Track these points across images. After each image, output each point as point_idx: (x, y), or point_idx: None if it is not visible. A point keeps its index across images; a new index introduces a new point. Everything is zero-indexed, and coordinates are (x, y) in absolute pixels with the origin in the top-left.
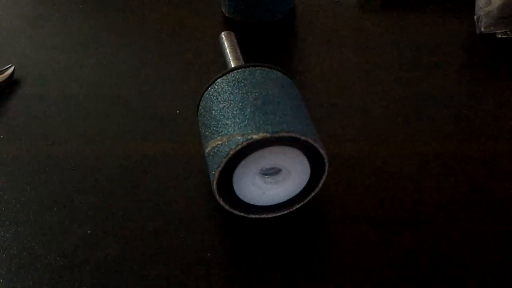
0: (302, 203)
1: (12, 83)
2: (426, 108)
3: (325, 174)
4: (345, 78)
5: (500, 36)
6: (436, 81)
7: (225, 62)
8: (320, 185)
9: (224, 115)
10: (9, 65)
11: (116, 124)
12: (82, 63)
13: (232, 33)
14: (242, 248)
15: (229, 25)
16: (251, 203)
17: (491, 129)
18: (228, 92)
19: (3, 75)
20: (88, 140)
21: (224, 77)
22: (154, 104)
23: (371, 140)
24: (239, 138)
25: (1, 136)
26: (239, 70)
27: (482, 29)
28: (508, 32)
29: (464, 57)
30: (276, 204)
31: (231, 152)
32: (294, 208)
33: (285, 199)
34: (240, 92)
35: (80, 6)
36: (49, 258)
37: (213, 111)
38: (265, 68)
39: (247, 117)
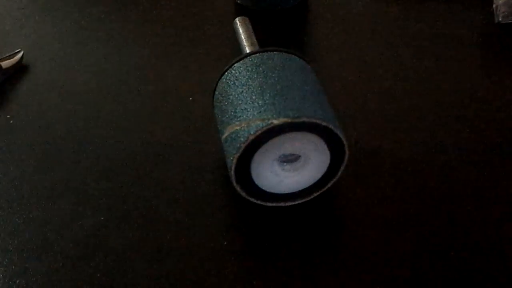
0: (320, 191)
1: (21, 68)
2: (445, 96)
3: (345, 162)
4: (360, 65)
5: None
6: (455, 70)
7: (240, 48)
8: (340, 173)
9: (242, 100)
10: (18, 50)
11: (129, 111)
12: (92, 49)
13: (246, 18)
14: (258, 237)
15: (241, 12)
16: (269, 191)
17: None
18: (246, 76)
19: (12, 59)
20: (100, 127)
21: (241, 62)
22: (168, 90)
23: (389, 129)
24: (259, 123)
25: (11, 122)
26: (257, 54)
27: (500, 19)
28: None
29: (482, 46)
30: (293, 192)
31: (251, 138)
32: (312, 196)
33: (303, 187)
34: (259, 76)
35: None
36: (61, 245)
37: (231, 96)
38: (284, 53)
39: (267, 101)
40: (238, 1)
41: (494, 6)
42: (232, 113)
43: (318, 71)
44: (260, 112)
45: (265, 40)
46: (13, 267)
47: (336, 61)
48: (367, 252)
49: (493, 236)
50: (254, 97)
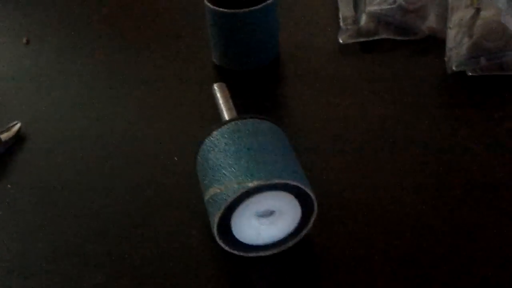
0: (295, 241)
1: (19, 139)
2: (406, 144)
3: (315, 213)
4: (327, 121)
5: (470, 74)
6: (414, 119)
7: (218, 112)
8: (311, 224)
9: (221, 165)
10: (16, 122)
11: (118, 176)
12: (84, 116)
13: (223, 84)
14: (242, 285)
15: (219, 72)
16: (249, 243)
17: (468, 161)
18: (224, 143)
19: (10, 132)
20: (89, 192)
21: (219, 130)
22: (153, 152)
23: (357, 179)
24: (236, 186)
25: (12, 191)
26: (232, 122)
27: (454, 68)
28: (477, 70)
29: (438, 95)
30: (271, 243)
31: (229, 200)
32: (288, 245)
33: (279, 238)
34: (235, 143)
35: (77, 60)
36: None
37: (210, 161)
38: (256, 119)
39: (243, 166)
40: (217, 63)
41: (446, 58)
42: (212, 176)
43: (289, 126)
44: (236, 176)
45: (241, 98)
46: None
47: (306, 116)
48: None
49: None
50: (231, 162)
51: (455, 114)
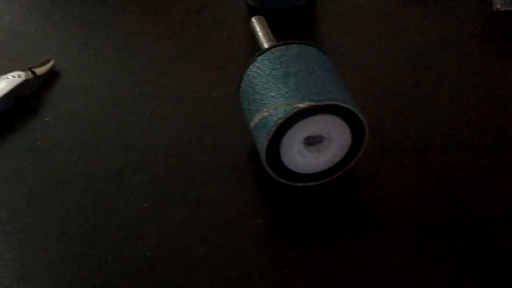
0: (343, 171)
1: (53, 75)
2: (449, 84)
3: (366, 141)
4: (371, 60)
5: None
6: (457, 58)
7: (258, 44)
8: (361, 152)
9: (268, 89)
10: (49, 59)
11: (157, 110)
12: (117, 56)
13: (262, 17)
14: (289, 213)
15: (252, 13)
16: (297, 171)
17: None
18: (270, 67)
19: (44, 67)
20: (133, 126)
21: (264, 55)
22: (192, 90)
23: (404, 115)
24: (286, 107)
25: (50, 124)
26: (278, 47)
27: (498, 6)
28: None
29: (482, 33)
30: (319, 172)
31: (279, 121)
32: (336, 175)
33: (327, 167)
34: (282, 67)
35: (110, 4)
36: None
37: (257, 86)
38: (302, 45)
39: (292, 88)
40: (250, 3)
41: None
42: (260, 101)
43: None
44: (286, 98)
45: (277, 38)
46: (66, 249)
47: (347, 53)
48: (386, 225)
49: None
50: (279, 85)
51: (498, 51)
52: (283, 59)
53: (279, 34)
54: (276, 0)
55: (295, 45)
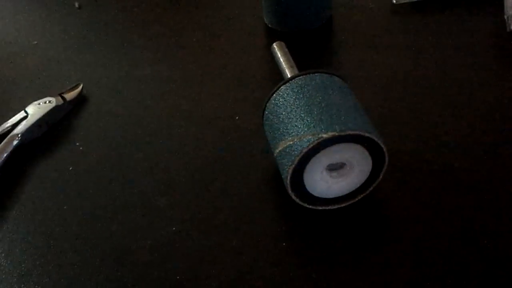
0: (364, 194)
1: (82, 99)
2: (468, 104)
3: (386, 166)
4: (387, 79)
5: None
6: (471, 79)
7: (279, 71)
8: (381, 177)
9: (292, 118)
10: (78, 83)
11: (183, 133)
12: (142, 80)
13: (283, 43)
14: (313, 236)
15: (270, 34)
16: (319, 196)
17: None
18: (294, 97)
19: (73, 91)
20: (157, 149)
21: (287, 84)
22: (214, 113)
23: (421, 137)
24: (310, 137)
25: (81, 148)
26: (300, 77)
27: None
28: None
29: (496, 54)
30: (341, 196)
31: (304, 150)
32: (357, 199)
33: (349, 191)
34: (305, 96)
35: (132, 26)
36: (141, 253)
37: (281, 115)
38: (324, 74)
39: (315, 118)
40: (269, 25)
41: (505, 16)
42: (284, 130)
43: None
44: (310, 127)
45: (295, 59)
46: (98, 274)
47: (365, 77)
48: (409, 247)
49: None
50: (303, 115)
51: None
52: (305, 89)
53: (296, 55)
54: (294, 21)
55: (317, 74)
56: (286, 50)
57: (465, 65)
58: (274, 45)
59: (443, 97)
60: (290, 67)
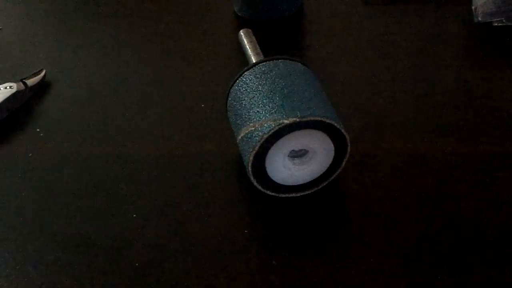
0: (326, 182)
1: (44, 85)
2: (431, 94)
3: (348, 154)
4: (353, 68)
5: (496, 24)
6: (440, 69)
7: (245, 57)
8: (343, 165)
9: (254, 104)
10: (40, 69)
11: (146, 120)
12: (107, 66)
13: (250, 30)
14: (274, 223)
15: (241, 23)
16: (281, 183)
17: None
18: (256, 83)
19: (36, 78)
20: (120, 137)
21: (251, 70)
22: (180, 101)
23: (384, 125)
24: (271, 123)
25: (41, 134)
26: (264, 63)
27: (480, 18)
28: (504, 20)
29: (463, 45)
30: (303, 184)
31: (264, 136)
32: (320, 187)
33: (311, 179)
34: (268, 82)
35: (99, 12)
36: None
37: (243, 101)
38: (288, 60)
39: (277, 104)
40: (239, 14)
41: (473, 7)
42: (246, 116)
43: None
44: (271, 113)
45: (265, 48)
46: (59, 262)
47: (331, 65)
48: (368, 235)
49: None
50: (265, 101)
51: (479, 63)
52: (269, 75)
53: (266, 44)
54: (265, 10)
55: (281, 60)
56: (253, 37)
57: (433, 54)
58: (241, 32)
59: (410, 86)
60: (256, 54)
